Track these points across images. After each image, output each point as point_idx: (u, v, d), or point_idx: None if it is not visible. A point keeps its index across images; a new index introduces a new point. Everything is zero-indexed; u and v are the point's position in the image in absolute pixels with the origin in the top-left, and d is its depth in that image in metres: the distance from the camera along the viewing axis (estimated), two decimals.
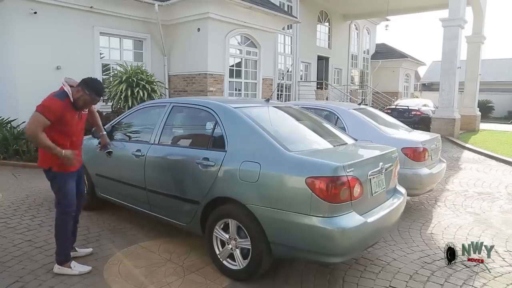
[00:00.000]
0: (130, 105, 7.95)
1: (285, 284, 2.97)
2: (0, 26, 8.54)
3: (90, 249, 3.45)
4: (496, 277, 3.15)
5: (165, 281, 2.96)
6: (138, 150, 3.78)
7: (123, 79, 8.30)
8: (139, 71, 8.62)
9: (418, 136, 5.17)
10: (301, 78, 17.89)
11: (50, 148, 2.86)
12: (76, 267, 3.06)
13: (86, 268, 3.09)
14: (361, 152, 3.47)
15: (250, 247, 2.87)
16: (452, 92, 13.21)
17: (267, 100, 3.97)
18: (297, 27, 16.07)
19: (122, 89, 8.19)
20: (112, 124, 4.42)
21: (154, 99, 8.21)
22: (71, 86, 2.98)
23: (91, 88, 2.98)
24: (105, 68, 9.98)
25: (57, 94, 2.95)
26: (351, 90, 20.99)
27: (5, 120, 8.23)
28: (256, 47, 11.84)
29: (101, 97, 3.18)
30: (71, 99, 2.95)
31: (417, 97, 24.69)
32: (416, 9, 19.12)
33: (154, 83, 8.78)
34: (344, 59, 21.21)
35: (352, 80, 22.27)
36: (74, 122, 3.03)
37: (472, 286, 2.99)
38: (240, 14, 10.64)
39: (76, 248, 3.35)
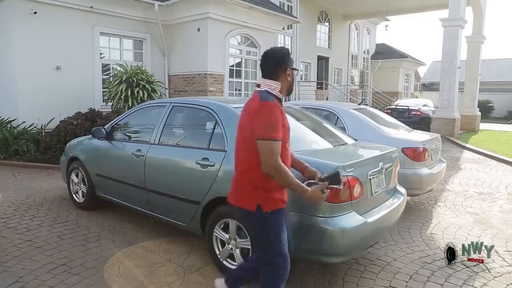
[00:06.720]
0: (130, 105, 7.95)
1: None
2: (0, 26, 8.54)
3: None
4: (496, 277, 3.14)
5: (165, 281, 2.96)
6: (138, 150, 3.78)
7: (123, 79, 8.30)
8: (139, 71, 8.62)
9: (418, 136, 5.17)
10: (301, 78, 17.89)
11: (298, 186, 2.14)
12: None
13: None
14: (361, 152, 3.47)
15: (250, 247, 2.86)
16: (452, 92, 13.21)
17: None
18: (297, 27, 16.07)
19: (122, 89, 8.19)
20: (112, 124, 4.42)
21: (154, 99, 8.22)
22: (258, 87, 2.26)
23: (288, 55, 2.29)
24: (105, 68, 9.97)
25: (262, 96, 2.15)
26: (351, 90, 20.99)
27: (5, 120, 8.23)
28: (256, 47, 11.84)
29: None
30: (275, 93, 2.21)
31: (417, 97, 24.70)
32: (416, 9, 19.13)
33: (154, 83, 8.78)
34: (344, 59, 21.21)
35: (352, 80, 22.27)
36: (286, 122, 2.25)
37: (472, 286, 2.99)
38: (240, 14, 10.64)
39: None
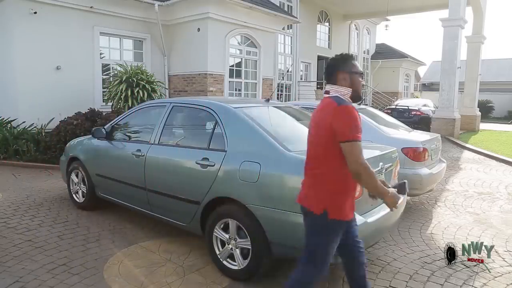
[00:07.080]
0: (130, 105, 7.95)
1: None
2: (0, 26, 8.54)
3: None
4: (496, 277, 3.14)
5: (165, 281, 2.96)
6: (138, 150, 3.78)
7: (123, 79, 8.30)
8: (139, 71, 8.63)
9: (418, 136, 5.17)
10: (301, 78, 17.89)
11: (381, 187, 2.09)
12: None
13: None
14: None
15: (250, 247, 2.87)
16: (452, 92, 13.22)
17: (267, 100, 3.97)
18: (297, 27, 16.07)
19: (122, 89, 8.19)
20: (112, 124, 4.42)
21: (154, 99, 8.22)
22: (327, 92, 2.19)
23: (348, 60, 2.19)
24: (105, 68, 9.97)
25: (337, 101, 2.07)
26: None
27: (5, 120, 8.23)
28: (256, 47, 11.84)
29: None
30: (345, 99, 2.13)
31: (417, 97, 24.70)
32: (416, 9, 19.13)
33: (154, 83, 8.78)
34: None
35: None
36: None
37: (472, 286, 2.99)
38: (240, 14, 10.64)
39: None
